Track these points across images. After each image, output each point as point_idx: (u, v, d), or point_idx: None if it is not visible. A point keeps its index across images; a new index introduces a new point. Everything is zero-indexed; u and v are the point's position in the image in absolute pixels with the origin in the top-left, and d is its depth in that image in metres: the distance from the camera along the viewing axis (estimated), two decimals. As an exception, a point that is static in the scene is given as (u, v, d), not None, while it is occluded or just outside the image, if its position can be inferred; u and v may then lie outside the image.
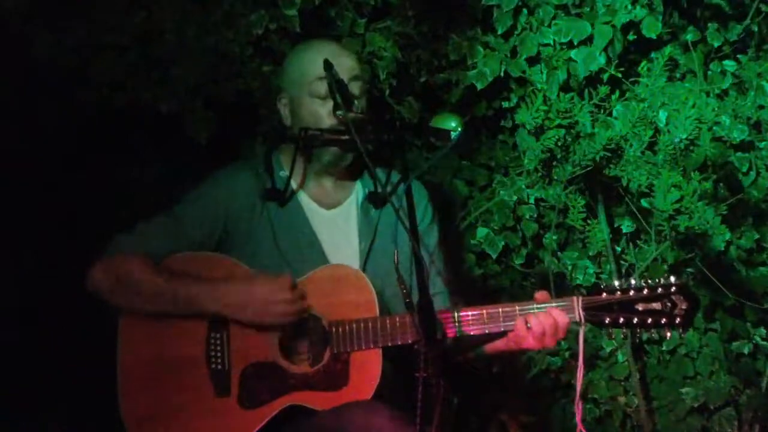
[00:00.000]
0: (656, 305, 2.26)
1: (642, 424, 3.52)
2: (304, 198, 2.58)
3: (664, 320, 2.24)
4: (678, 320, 2.24)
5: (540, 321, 2.30)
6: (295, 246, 2.49)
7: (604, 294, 2.29)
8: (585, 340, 2.34)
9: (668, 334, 2.26)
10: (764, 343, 3.52)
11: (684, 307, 2.24)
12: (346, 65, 2.55)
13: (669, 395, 3.55)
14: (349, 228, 2.59)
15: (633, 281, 2.29)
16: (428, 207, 2.68)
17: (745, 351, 3.53)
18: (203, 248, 2.49)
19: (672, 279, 2.26)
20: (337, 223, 2.58)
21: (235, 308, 2.36)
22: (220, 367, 2.38)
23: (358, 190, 2.64)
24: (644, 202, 3.17)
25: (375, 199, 2.60)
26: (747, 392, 3.53)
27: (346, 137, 2.36)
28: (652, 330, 2.26)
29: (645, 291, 2.26)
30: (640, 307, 2.26)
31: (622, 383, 3.55)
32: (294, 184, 2.56)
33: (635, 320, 2.25)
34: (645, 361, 3.57)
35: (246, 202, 2.51)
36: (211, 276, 2.42)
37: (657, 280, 2.27)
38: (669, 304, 2.25)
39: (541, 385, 3.51)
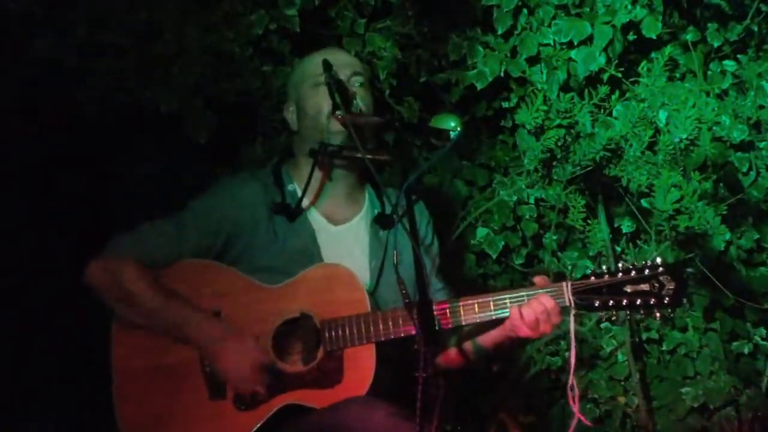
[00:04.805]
0: (644, 286, 2.26)
1: (642, 424, 3.52)
2: (314, 213, 2.57)
3: (653, 301, 2.25)
4: (667, 300, 2.25)
5: (532, 309, 2.30)
6: (298, 260, 2.47)
7: (593, 278, 2.29)
8: (577, 331, 2.34)
9: (657, 315, 2.26)
10: (764, 343, 3.52)
11: (672, 287, 2.25)
12: (346, 60, 2.57)
13: (669, 395, 3.55)
14: (358, 245, 2.58)
15: (621, 264, 2.29)
16: (429, 226, 2.70)
17: (745, 351, 3.52)
18: (203, 257, 2.49)
19: (658, 260, 2.27)
20: (344, 239, 2.58)
21: (211, 350, 2.35)
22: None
23: (367, 208, 2.64)
24: (644, 202, 3.17)
25: (383, 221, 2.60)
26: (747, 392, 3.53)
27: (360, 155, 2.35)
28: (642, 311, 2.26)
29: (633, 273, 2.27)
30: (628, 288, 2.27)
31: (622, 383, 3.55)
32: (306, 200, 2.56)
33: (624, 302, 2.26)
34: (645, 361, 3.57)
35: (252, 215, 2.51)
36: (212, 290, 2.42)
37: (644, 262, 2.28)
38: (657, 284, 2.25)
39: (541, 385, 3.51)
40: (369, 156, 2.32)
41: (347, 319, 2.35)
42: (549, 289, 2.32)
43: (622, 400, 3.56)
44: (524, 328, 2.31)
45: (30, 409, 2.99)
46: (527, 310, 2.30)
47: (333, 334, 2.35)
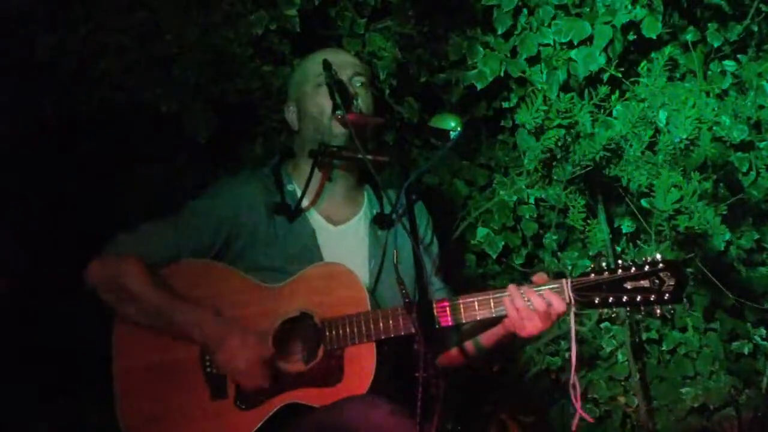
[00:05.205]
0: (644, 283, 2.25)
1: (642, 424, 3.52)
2: (313, 213, 2.57)
3: (653, 297, 2.24)
4: (667, 296, 2.24)
5: (533, 301, 2.30)
6: (298, 260, 2.47)
7: (593, 275, 2.29)
8: (577, 331, 2.34)
9: (658, 311, 2.26)
10: (764, 343, 3.52)
11: (672, 283, 2.24)
12: (348, 61, 2.57)
13: (669, 395, 3.55)
14: (357, 245, 2.58)
15: (620, 261, 2.29)
16: (429, 226, 2.71)
17: (745, 351, 3.53)
18: (203, 256, 2.48)
19: (658, 256, 2.27)
20: (344, 238, 2.58)
21: (213, 345, 2.35)
22: (215, 370, 2.38)
23: (366, 209, 2.64)
24: (644, 202, 3.17)
25: (382, 221, 2.60)
26: (747, 392, 3.53)
27: (361, 156, 2.34)
28: (642, 308, 2.26)
29: (633, 269, 2.26)
30: (628, 285, 2.26)
31: (622, 383, 3.56)
32: (306, 200, 2.55)
33: (624, 298, 2.25)
34: (645, 361, 3.57)
35: (252, 215, 2.50)
36: (212, 290, 2.42)
37: (644, 258, 2.27)
38: (657, 281, 2.25)
39: (541, 385, 3.51)
40: (369, 157, 2.32)
41: (348, 317, 2.35)
42: (549, 286, 2.32)
43: (622, 400, 3.56)
44: (525, 323, 2.30)
45: (31, 409, 2.99)
46: (522, 303, 2.30)
47: (333, 333, 2.35)
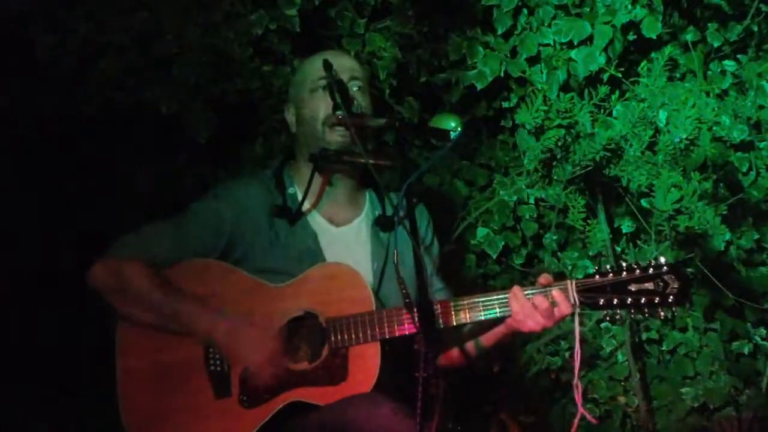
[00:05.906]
0: (649, 285, 2.26)
1: (642, 424, 3.52)
2: (315, 216, 2.57)
3: (657, 299, 2.25)
4: (671, 299, 2.25)
5: (538, 302, 2.30)
6: (300, 262, 2.47)
7: (597, 276, 2.29)
8: (581, 324, 2.35)
9: (661, 314, 2.27)
10: (764, 343, 3.52)
11: (676, 286, 2.25)
12: (345, 65, 2.56)
13: (669, 395, 3.55)
14: (360, 247, 2.58)
15: (625, 263, 2.30)
16: (429, 227, 2.71)
17: (745, 351, 3.53)
18: (206, 257, 2.49)
19: (662, 259, 2.27)
20: (346, 240, 2.58)
21: (225, 340, 2.35)
22: (219, 368, 2.38)
23: (368, 211, 2.64)
24: (644, 202, 3.17)
25: (384, 222, 2.60)
26: (747, 392, 3.53)
27: (362, 161, 2.35)
28: (646, 310, 2.26)
29: (637, 272, 2.27)
30: (633, 287, 2.26)
31: (622, 383, 3.56)
32: (307, 203, 2.55)
33: (629, 300, 2.26)
34: (645, 361, 3.57)
35: (254, 218, 2.50)
36: (216, 289, 2.42)
37: (649, 261, 2.28)
38: (661, 283, 2.25)
39: (541, 385, 3.51)
40: (371, 161, 2.32)
41: (352, 317, 2.35)
42: (554, 287, 2.32)
43: (622, 400, 3.56)
44: (528, 321, 2.31)
45: (31, 409, 2.99)
46: (528, 303, 2.31)
47: (338, 332, 2.35)
